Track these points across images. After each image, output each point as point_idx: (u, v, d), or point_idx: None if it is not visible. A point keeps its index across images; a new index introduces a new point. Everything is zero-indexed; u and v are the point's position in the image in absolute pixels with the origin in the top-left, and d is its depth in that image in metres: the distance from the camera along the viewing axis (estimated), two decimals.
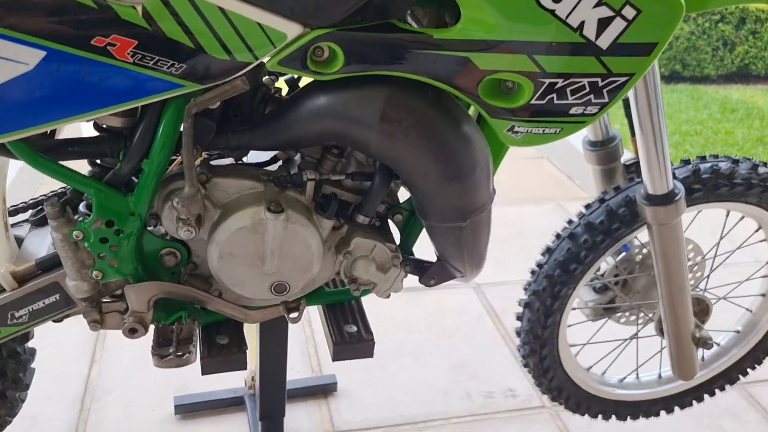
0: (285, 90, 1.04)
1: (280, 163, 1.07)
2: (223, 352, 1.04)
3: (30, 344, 1.23)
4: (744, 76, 5.24)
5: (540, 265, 1.32)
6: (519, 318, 1.39)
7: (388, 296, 1.06)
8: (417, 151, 0.89)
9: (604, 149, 1.38)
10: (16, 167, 3.04)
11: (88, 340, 1.91)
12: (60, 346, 1.88)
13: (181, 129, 0.88)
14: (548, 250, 1.31)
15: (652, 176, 1.13)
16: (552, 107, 0.85)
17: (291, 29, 0.81)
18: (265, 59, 0.83)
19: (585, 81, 0.83)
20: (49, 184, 1.21)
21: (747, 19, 5.03)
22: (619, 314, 1.48)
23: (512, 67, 0.83)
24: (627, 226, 1.23)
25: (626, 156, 1.41)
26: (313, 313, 2.06)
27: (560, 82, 0.83)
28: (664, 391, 1.56)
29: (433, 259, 1.12)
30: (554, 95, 0.84)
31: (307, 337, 1.98)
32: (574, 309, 1.40)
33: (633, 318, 1.54)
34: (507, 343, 2.01)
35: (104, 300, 1.02)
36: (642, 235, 1.32)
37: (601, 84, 0.84)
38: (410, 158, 0.90)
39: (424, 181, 0.92)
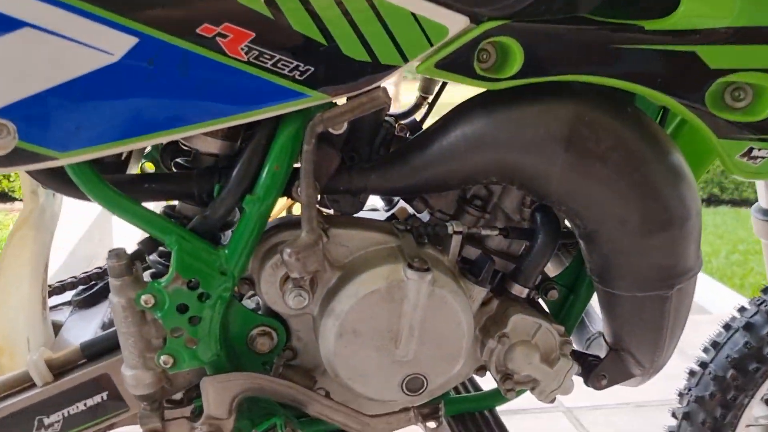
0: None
1: None
2: None
3: None
4: None
5: (704, 364, 1.04)
6: None
7: (553, 400, 0.78)
8: (616, 185, 0.66)
9: None
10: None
11: None
12: None
13: (298, 160, 0.66)
14: (714, 345, 1.03)
15: None
16: None
17: (455, 21, 0.62)
18: (416, 62, 0.63)
19: None
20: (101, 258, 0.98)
21: None
22: None
23: (757, 63, 0.61)
24: None
25: None
26: None
27: None
28: None
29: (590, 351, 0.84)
30: None
31: None
32: (748, 426, 1.09)
33: None
34: None
35: (167, 403, 0.74)
36: None
37: None
38: (605, 197, 0.66)
39: (622, 231, 0.68)
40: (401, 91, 4.03)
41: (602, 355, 0.82)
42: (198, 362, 0.69)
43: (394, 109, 0.94)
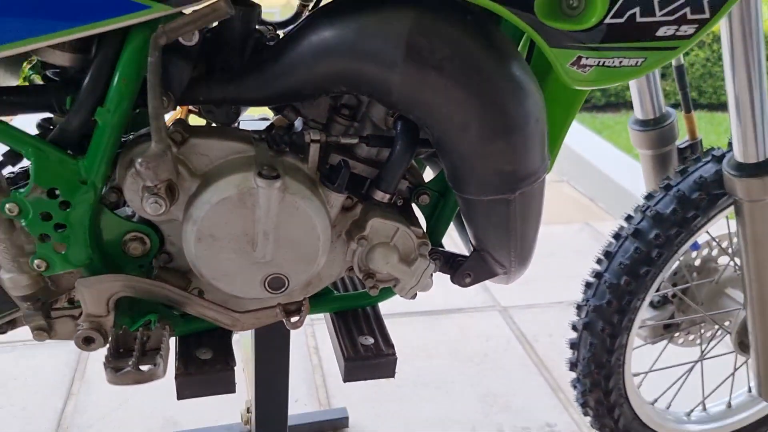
0: None
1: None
2: (204, 369, 0.81)
3: None
4: None
5: (598, 275, 1.09)
6: (573, 346, 1.15)
7: (414, 297, 0.84)
8: (454, 93, 0.68)
9: (657, 129, 1.17)
10: None
11: (67, 369, 1.68)
12: (33, 375, 1.65)
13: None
14: (607, 255, 1.08)
15: (745, 140, 0.91)
16: (633, 28, 0.65)
17: None
18: None
19: None
20: None
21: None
22: (681, 332, 1.25)
23: None
24: (704, 214, 1.00)
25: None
26: (321, 335, 1.82)
27: None
28: (738, 422, 1.30)
29: (467, 253, 0.90)
30: (637, 10, 0.64)
31: (314, 366, 1.74)
32: (640, 327, 1.17)
33: (693, 337, 1.30)
34: (541, 371, 1.76)
35: (55, 304, 0.80)
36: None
37: None
38: (445, 104, 0.69)
39: (463, 137, 0.71)
40: None
41: None
42: (71, 265, 0.74)
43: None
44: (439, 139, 0.73)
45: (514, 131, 0.71)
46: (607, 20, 0.64)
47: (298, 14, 0.94)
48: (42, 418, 1.52)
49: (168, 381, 0.80)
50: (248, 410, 1.35)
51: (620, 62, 0.67)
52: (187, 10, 0.67)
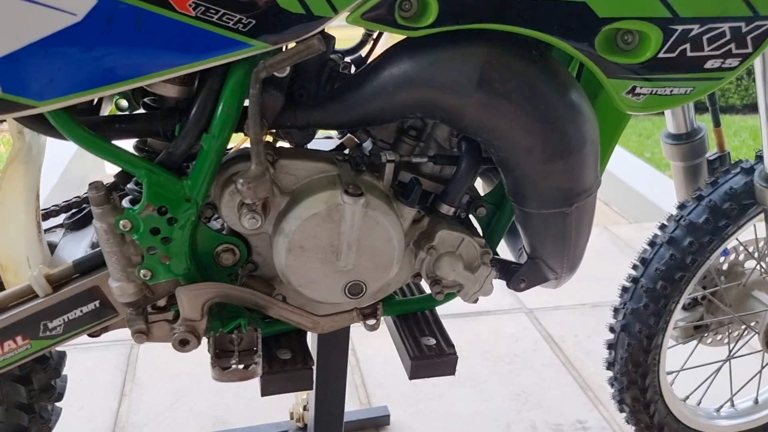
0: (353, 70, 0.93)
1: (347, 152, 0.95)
2: (286, 368, 0.90)
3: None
4: None
5: (635, 280, 1.17)
6: (611, 346, 1.23)
7: (476, 301, 0.92)
8: (520, 120, 0.76)
9: (689, 143, 1.24)
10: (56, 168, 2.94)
11: (118, 371, 1.76)
12: (87, 377, 1.73)
13: (247, 100, 0.76)
14: (643, 261, 1.16)
15: None
16: (684, 61, 0.72)
17: None
18: (346, 13, 0.72)
19: (726, 27, 0.70)
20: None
21: None
22: (710, 333, 1.32)
23: (639, 12, 0.70)
24: (734, 223, 1.08)
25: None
26: (358, 338, 1.90)
27: (696, 29, 0.70)
28: (764, 417, 1.38)
29: (516, 260, 0.98)
30: (687, 46, 0.71)
31: (353, 367, 1.82)
32: (674, 328, 1.24)
33: (721, 337, 1.37)
34: (569, 370, 1.83)
35: (151, 309, 0.88)
36: None
37: (744, 30, 0.71)
38: (511, 130, 0.77)
39: (527, 158, 0.79)
40: None
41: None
42: (172, 275, 0.82)
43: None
44: (503, 159, 0.81)
45: (572, 153, 0.79)
46: (660, 55, 0.72)
47: (363, 42, 1.03)
48: (99, 417, 1.61)
49: (217, 382, 0.86)
50: (304, 408, 1.43)
51: (671, 91, 0.75)
52: (284, 47, 0.75)
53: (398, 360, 0.99)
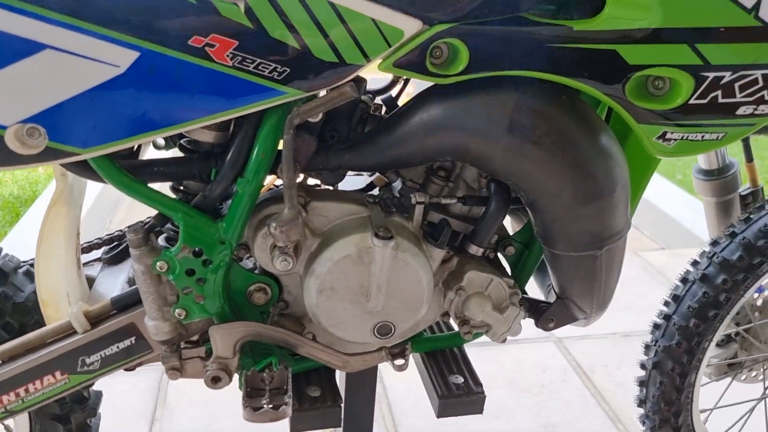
0: (383, 110, 0.94)
1: (376, 191, 0.96)
2: (316, 405, 0.90)
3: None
4: None
5: (667, 317, 1.15)
6: (642, 383, 1.21)
7: (504, 341, 0.92)
8: (550, 165, 0.77)
9: (721, 179, 1.23)
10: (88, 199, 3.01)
11: (149, 396, 1.79)
12: (119, 401, 1.76)
13: (281, 144, 0.78)
14: (675, 298, 1.14)
15: None
16: (715, 107, 0.72)
17: (409, 25, 0.71)
18: (378, 60, 0.74)
19: (758, 74, 0.70)
20: (118, 223, 1.12)
21: None
22: (744, 370, 1.29)
23: (669, 60, 0.71)
24: None
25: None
26: (385, 366, 1.90)
27: (727, 76, 0.71)
28: None
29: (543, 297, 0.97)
30: (719, 92, 0.71)
31: (379, 395, 1.82)
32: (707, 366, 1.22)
33: (755, 374, 1.34)
34: (599, 402, 1.80)
35: (184, 345, 0.90)
36: None
37: None
38: (541, 174, 0.78)
39: (557, 201, 0.79)
40: None
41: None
42: (206, 314, 0.84)
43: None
44: (533, 202, 0.82)
45: (602, 197, 0.79)
46: (692, 101, 0.72)
47: (393, 82, 1.04)
48: None
49: None
50: None
51: (702, 136, 0.74)
52: (318, 94, 0.77)
53: (423, 388, 0.99)
